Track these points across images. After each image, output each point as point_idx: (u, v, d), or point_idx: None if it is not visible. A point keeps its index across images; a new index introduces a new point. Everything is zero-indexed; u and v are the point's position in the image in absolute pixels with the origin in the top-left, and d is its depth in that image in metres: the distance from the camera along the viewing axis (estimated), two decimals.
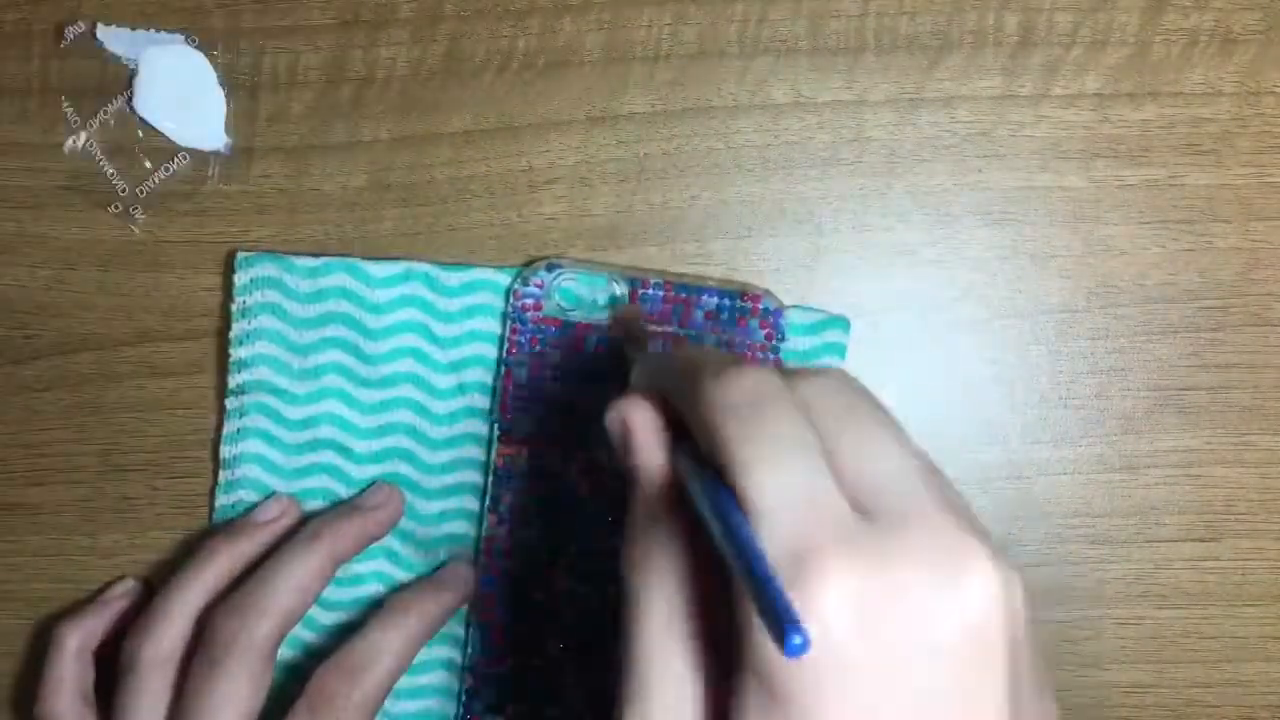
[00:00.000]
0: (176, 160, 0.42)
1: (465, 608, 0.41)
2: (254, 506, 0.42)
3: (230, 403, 0.42)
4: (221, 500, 0.42)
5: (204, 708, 0.36)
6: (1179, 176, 0.42)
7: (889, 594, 0.23)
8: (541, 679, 0.41)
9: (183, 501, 0.43)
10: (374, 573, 0.42)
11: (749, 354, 0.41)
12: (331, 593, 0.41)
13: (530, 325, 0.41)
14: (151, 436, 0.43)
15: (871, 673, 0.23)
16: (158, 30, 0.42)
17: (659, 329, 0.41)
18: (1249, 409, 0.42)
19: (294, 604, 0.38)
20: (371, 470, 0.42)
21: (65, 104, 0.42)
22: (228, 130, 0.42)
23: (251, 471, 0.42)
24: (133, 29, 0.42)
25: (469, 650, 0.41)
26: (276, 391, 0.41)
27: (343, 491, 0.42)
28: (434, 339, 0.41)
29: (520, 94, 0.42)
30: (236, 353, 0.41)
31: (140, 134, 0.42)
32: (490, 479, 0.41)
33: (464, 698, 0.41)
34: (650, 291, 0.41)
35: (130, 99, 0.42)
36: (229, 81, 0.42)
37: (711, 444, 0.25)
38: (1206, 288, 0.42)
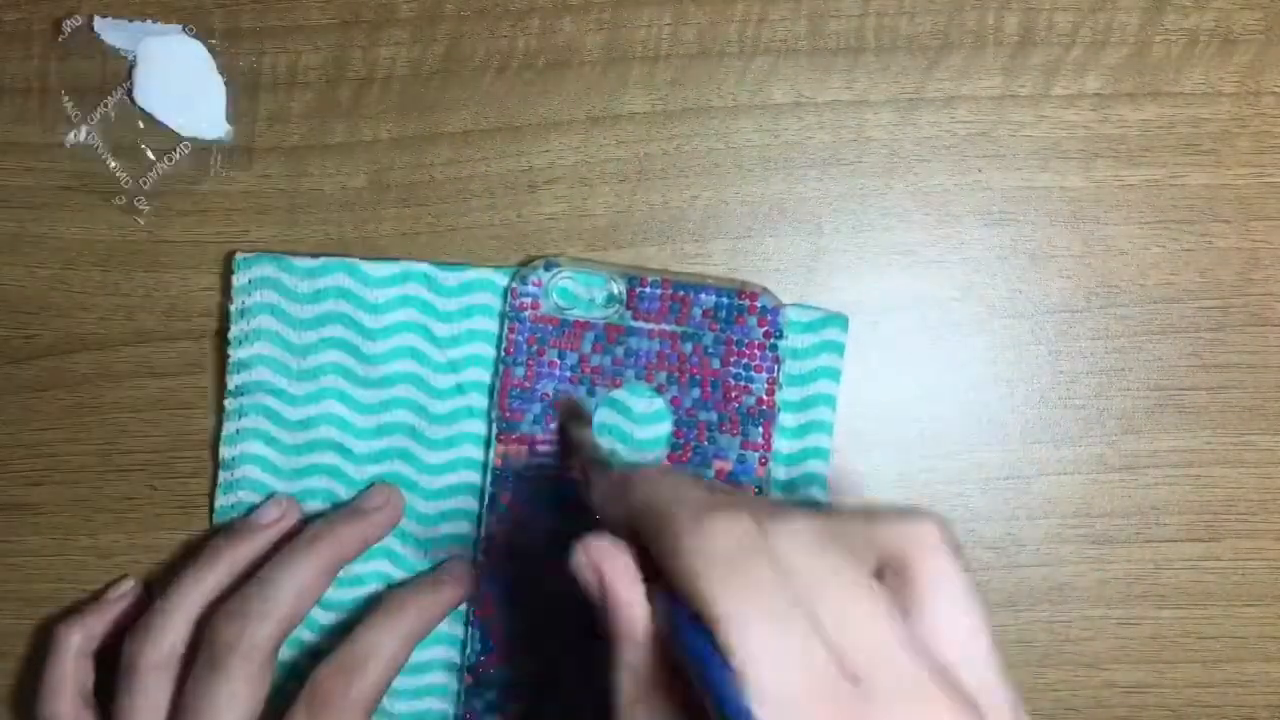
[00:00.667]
0: (179, 150, 0.42)
1: (465, 607, 0.41)
2: (254, 508, 0.42)
3: (229, 403, 0.42)
4: (221, 501, 0.42)
5: (204, 710, 0.37)
6: (1179, 176, 0.42)
7: None
8: (541, 679, 0.41)
9: (183, 501, 0.43)
10: (374, 573, 0.42)
11: (748, 352, 0.41)
12: (332, 593, 0.41)
13: (528, 324, 0.41)
14: (151, 436, 0.43)
15: None
16: (156, 21, 0.42)
17: (656, 327, 0.41)
18: (1249, 409, 0.42)
19: (294, 608, 0.38)
20: (371, 470, 0.42)
21: (66, 99, 0.42)
22: (228, 118, 0.42)
23: (251, 472, 0.42)
24: (130, 21, 0.42)
25: (468, 650, 0.41)
26: (276, 392, 0.41)
27: (342, 492, 0.42)
28: (433, 339, 0.41)
29: (520, 94, 0.42)
30: (236, 353, 0.41)
31: (141, 125, 0.42)
32: (489, 478, 0.41)
33: (463, 697, 0.41)
34: (648, 289, 0.41)
35: (130, 91, 0.42)
36: (229, 77, 0.42)
37: (692, 595, 0.25)
38: (1206, 288, 0.42)
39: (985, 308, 0.42)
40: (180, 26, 0.42)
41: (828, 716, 0.23)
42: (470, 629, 0.41)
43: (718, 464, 0.41)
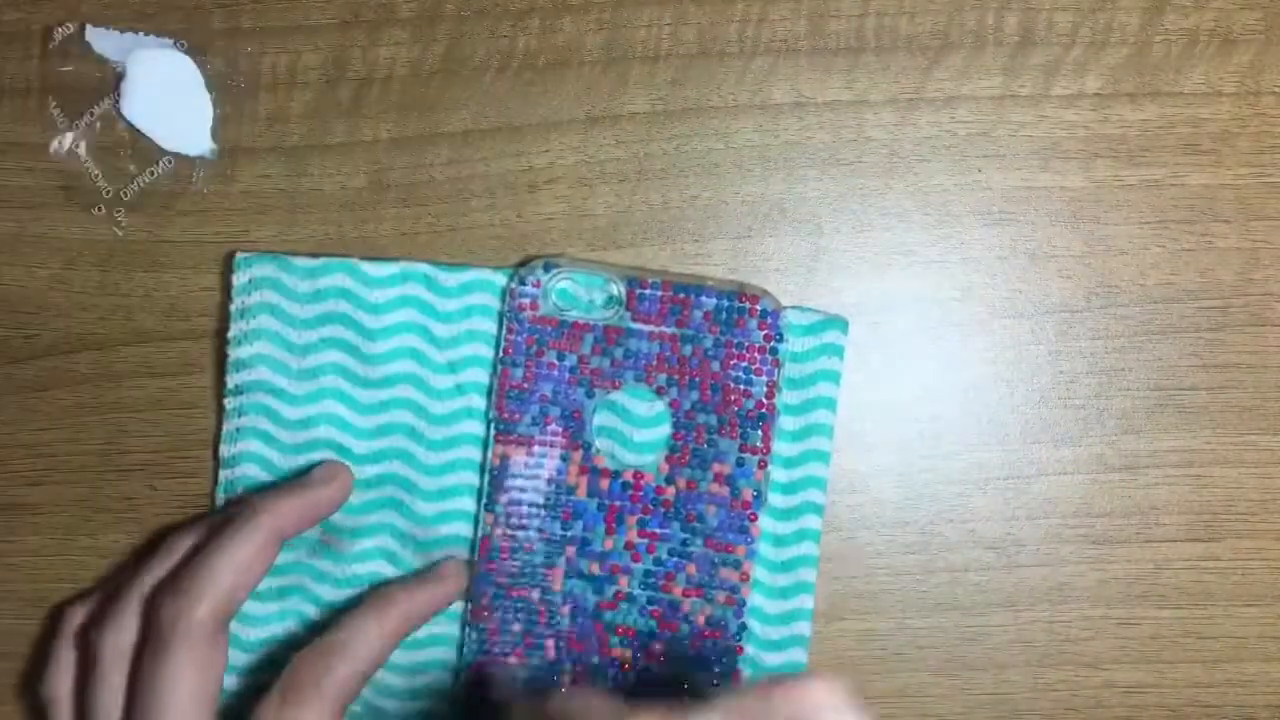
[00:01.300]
0: (161, 164, 0.42)
1: (462, 608, 0.41)
2: None
3: (229, 403, 0.42)
4: (222, 499, 0.42)
5: (152, 691, 0.36)
6: (1179, 176, 0.42)
7: None
8: (538, 679, 0.41)
9: (183, 501, 0.43)
10: (372, 574, 0.42)
11: (748, 355, 0.41)
12: (328, 593, 0.41)
13: (527, 324, 0.41)
14: (151, 436, 0.43)
15: None
16: (148, 34, 0.42)
17: (656, 329, 0.41)
18: (1249, 409, 0.42)
19: (234, 583, 0.38)
20: (370, 470, 0.42)
21: (53, 105, 0.42)
22: (214, 136, 0.42)
23: (250, 471, 0.42)
24: (122, 32, 0.42)
25: (465, 651, 0.41)
26: (275, 392, 0.41)
27: None
28: (432, 339, 0.41)
29: (520, 94, 0.42)
30: (235, 353, 0.41)
31: (126, 137, 0.42)
32: (487, 478, 0.41)
33: (460, 698, 0.41)
34: (648, 291, 0.41)
35: (117, 102, 0.42)
36: (223, 83, 0.42)
37: None
38: (1206, 288, 0.42)
39: (985, 308, 0.42)
40: (172, 40, 0.42)
41: None
42: (467, 629, 0.41)
43: (716, 467, 0.41)
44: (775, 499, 0.41)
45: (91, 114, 0.42)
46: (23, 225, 0.43)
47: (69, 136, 0.42)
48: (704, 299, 0.41)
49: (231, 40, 0.42)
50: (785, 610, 0.41)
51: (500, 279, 0.41)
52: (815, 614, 0.41)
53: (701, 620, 0.41)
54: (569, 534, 0.41)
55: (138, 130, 0.42)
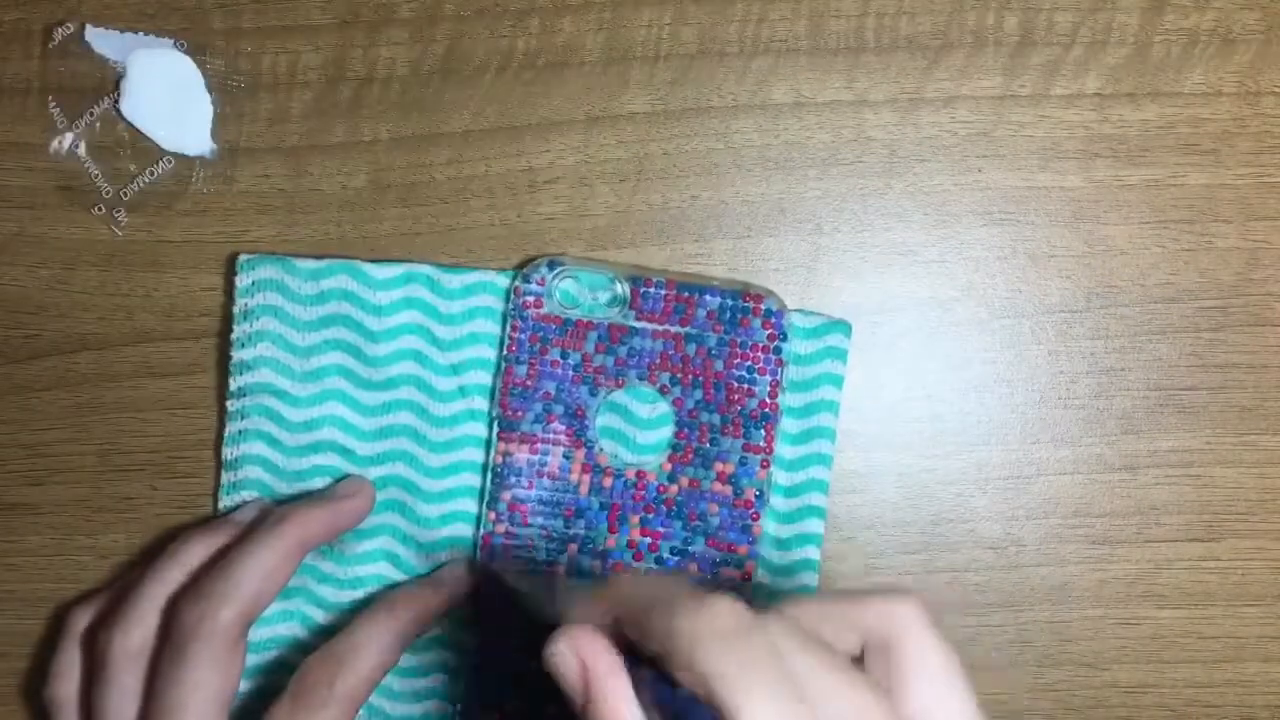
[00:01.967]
0: (161, 164, 0.42)
1: (465, 610, 0.41)
2: None
3: (231, 405, 0.42)
4: (225, 502, 0.42)
5: (171, 695, 0.36)
6: (1179, 176, 0.42)
7: None
8: (540, 679, 0.41)
9: (183, 501, 0.43)
10: (374, 576, 0.42)
11: (751, 354, 0.41)
12: (332, 594, 0.41)
13: (531, 322, 0.41)
14: (151, 436, 0.43)
15: None
16: (148, 34, 0.42)
17: (660, 328, 0.41)
18: (1249, 409, 0.42)
19: (258, 589, 0.38)
20: (373, 473, 0.42)
21: (52, 105, 0.42)
22: (214, 136, 0.42)
23: (253, 473, 0.42)
24: (121, 32, 0.42)
25: (467, 651, 0.41)
26: (278, 394, 0.41)
27: None
28: (435, 341, 0.41)
29: (520, 94, 0.42)
30: (238, 355, 0.41)
31: (126, 137, 0.42)
32: (489, 476, 0.41)
33: (463, 698, 0.41)
34: (652, 290, 0.41)
35: (117, 102, 0.42)
36: (223, 83, 0.42)
37: (693, 670, 0.26)
38: (1206, 288, 0.42)
39: (985, 308, 0.42)
40: (172, 40, 0.42)
41: None
42: (468, 630, 0.41)
43: (719, 466, 0.41)
44: (777, 501, 0.41)
45: (91, 114, 0.42)
46: (23, 225, 0.43)
47: (69, 136, 0.42)
48: (708, 298, 0.41)
49: (231, 40, 0.42)
50: None
51: (503, 281, 0.41)
52: None
53: None
54: (571, 532, 0.41)
55: (138, 130, 0.42)
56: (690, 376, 0.41)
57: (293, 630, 0.42)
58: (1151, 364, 0.42)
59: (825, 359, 0.41)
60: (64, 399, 0.43)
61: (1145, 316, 0.42)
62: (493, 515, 0.41)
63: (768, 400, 0.41)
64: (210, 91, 0.42)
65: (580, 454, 0.41)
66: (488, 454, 0.41)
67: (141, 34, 0.42)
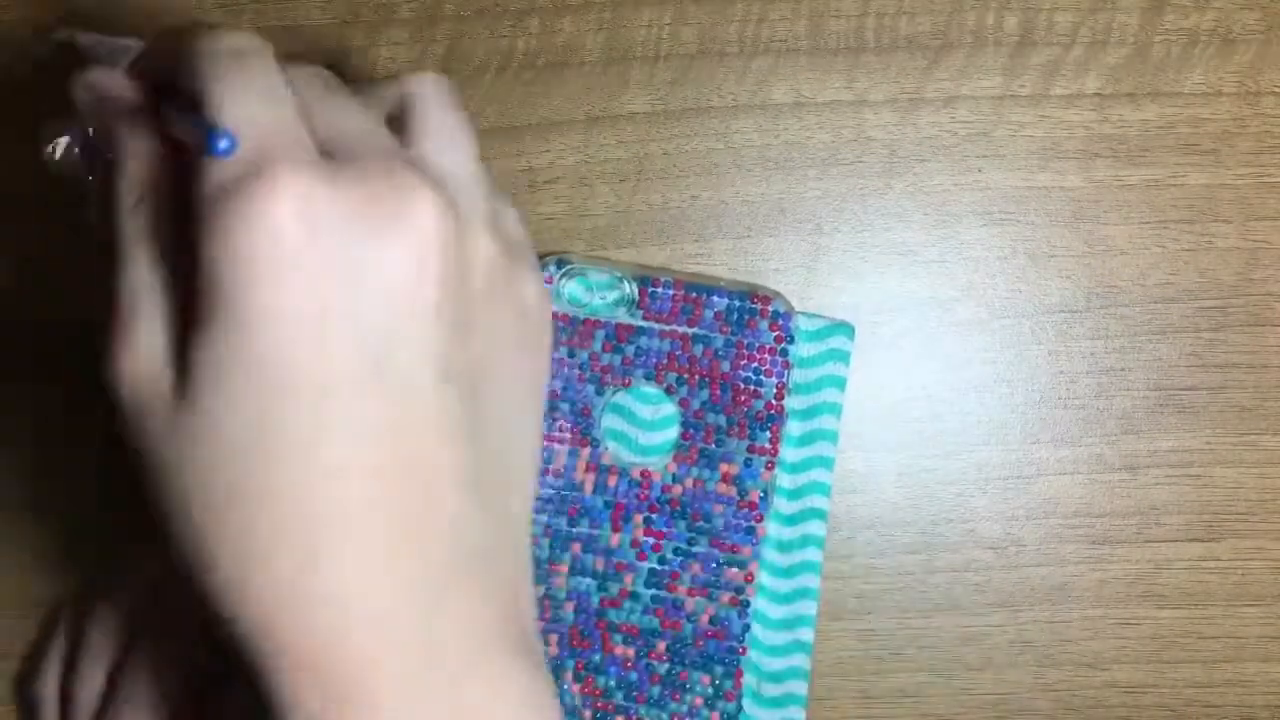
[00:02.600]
0: None
1: None
2: None
3: None
4: None
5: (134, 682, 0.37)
6: (1179, 176, 0.42)
7: (336, 209, 0.25)
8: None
9: None
10: None
11: (758, 356, 0.41)
12: None
13: None
14: None
15: (313, 278, 0.25)
16: (142, 39, 0.42)
17: (667, 328, 0.41)
18: (1249, 409, 0.42)
19: None
20: None
21: (49, 106, 0.42)
22: None
23: None
24: (117, 38, 0.42)
25: None
26: None
27: None
28: None
29: (520, 94, 0.42)
30: None
31: None
32: None
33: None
34: (660, 290, 0.41)
35: None
36: None
37: (194, 84, 0.26)
38: (1206, 288, 0.42)
39: (985, 308, 0.42)
40: None
41: (298, 171, 0.25)
42: None
43: (724, 467, 0.41)
44: (780, 503, 0.41)
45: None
46: (23, 225, 0.43)
47: (62, 142, 0.42)
48: (716, 299, 0.41)
49: None
50: (788, 615, 0.41)
51: None
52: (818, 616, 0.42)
53: (705, 620, 0.41)
54: (575, 530, 0.41)
55: None
56: (697, 377, 0.41)
57: None
58: (1151, 364, 0.42)
59: (828, 361, 0.41)
60: (64, 398, 0.43)
61: (1145, 316, 0.42)
62: None
63: (774, 402, 0.41)
64: None
65: (585, 452, 0.41)
66: None
67: (137, 39, 0.42)
